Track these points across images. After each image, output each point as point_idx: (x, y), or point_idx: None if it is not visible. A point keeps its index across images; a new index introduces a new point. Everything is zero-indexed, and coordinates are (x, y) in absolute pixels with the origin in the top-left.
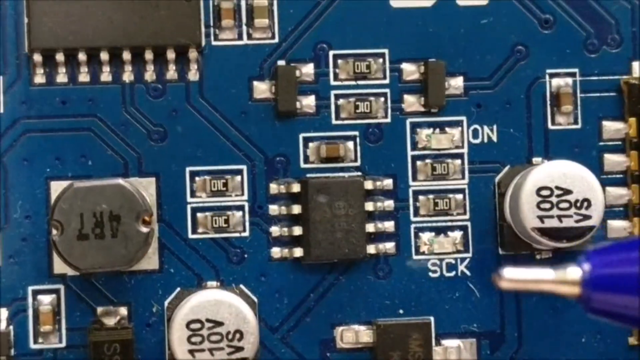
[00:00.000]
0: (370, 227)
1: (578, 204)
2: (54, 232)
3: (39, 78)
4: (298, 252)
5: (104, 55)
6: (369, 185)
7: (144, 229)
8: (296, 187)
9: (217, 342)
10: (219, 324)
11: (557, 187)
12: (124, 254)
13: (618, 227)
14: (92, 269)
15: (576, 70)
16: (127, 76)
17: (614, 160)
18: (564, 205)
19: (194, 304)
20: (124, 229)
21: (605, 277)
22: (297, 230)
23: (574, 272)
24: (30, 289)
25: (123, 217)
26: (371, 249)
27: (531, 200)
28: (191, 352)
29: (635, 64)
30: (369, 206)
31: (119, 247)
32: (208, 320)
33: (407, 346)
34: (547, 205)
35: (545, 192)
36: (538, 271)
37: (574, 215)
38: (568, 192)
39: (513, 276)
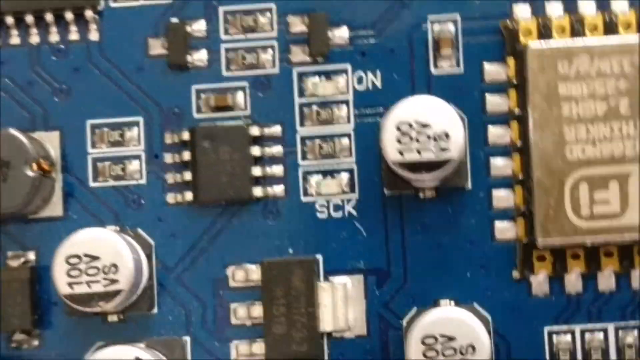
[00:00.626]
0: (256, 171)
1: (437, 137)
2: None
3: None
4: (189, 195)
5: (9, 20)
6: (255, 131)
7: (31, 174)
8: (186, 135)
9: (93, 276)
10: (95, 257)
11: (416, 122)
12: (13, 196)
13: (500, 164)
14: None
15: (457, 14)
16: (33, 38)
17: (495, 102)
18: (423, 137)
19: (73, 241)
20: (14, 173)
21: None
22: (188, 176)
23: None
24: None
25: (12, 163)
26: (259, 191)
27: (392, 135)
28: (70, 284)
29: (515, 6)
30: (256, 151)
31: (9, 190)
32: (86, 255)
33: (290, 282)
34: (406, 139)
35: (404, 127)
36: None
37: (433, 148)
38: (426, 125)
39: None
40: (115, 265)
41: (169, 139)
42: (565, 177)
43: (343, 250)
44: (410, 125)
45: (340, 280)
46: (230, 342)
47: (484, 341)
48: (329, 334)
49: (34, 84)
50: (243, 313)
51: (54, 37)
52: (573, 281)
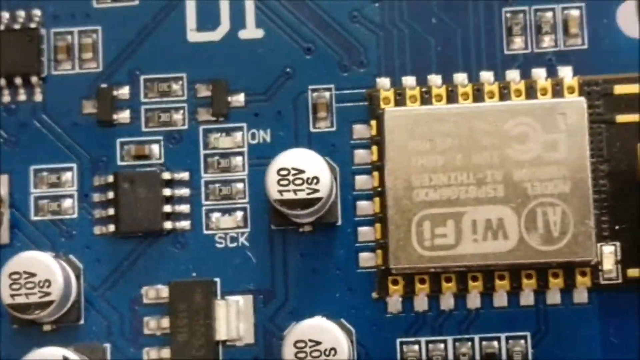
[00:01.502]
0: (167, 209)
1: (309, 180)
2: None
3: None
4: (112, 228)
5: None
6: (167, 176)
7: None
8: (111, 179)
9: (30, 289)
10: (32, 274)
11: (293, 168)
12: None
13: (364, 206)
14: None
15: (332, 85)
16: None
17: (361, 155)
18: (298, 181)
19: (14, 261)
20: None
21: None
22: (111, 211)
23: None
24: None
25: None
26: (169, 225)
27: (274, 178)
28: (12, 296)
29: (379, 80)
30: (167, 192)
31: None
32: (25, 272)
33: (192, 300)
34: (285, 182)
35: (283, 172)
36: None
37: (306, 189)
38: (301, 171)
39: None
40: (48, 281)
41: (97, 181)
42: (413, 215)
43: (237, 274)
44: (288, 171)
45: (233, 298)
46: (143, 348)
47: (343, 345)
48: (224, 342)
49: None
50: (154, 325)
51: (6, 97)
52: (420, 301)
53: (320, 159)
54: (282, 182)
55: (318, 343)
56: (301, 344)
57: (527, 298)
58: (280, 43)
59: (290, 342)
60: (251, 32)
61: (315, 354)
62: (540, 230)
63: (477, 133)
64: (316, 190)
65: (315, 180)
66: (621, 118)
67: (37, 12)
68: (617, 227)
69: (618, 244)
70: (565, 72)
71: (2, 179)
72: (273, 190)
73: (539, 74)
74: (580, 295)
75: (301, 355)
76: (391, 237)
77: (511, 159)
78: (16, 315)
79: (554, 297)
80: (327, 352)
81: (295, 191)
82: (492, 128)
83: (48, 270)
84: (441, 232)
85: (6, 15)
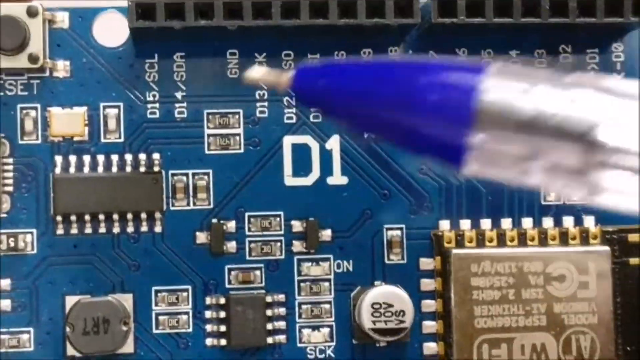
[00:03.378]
0: (269, 326)
1: (397, 313)
2: (68, 330)
3: (61, 231)
4: (223, 341)
5: (101, 216)
6: (269, 299)
7: (124, 329)
8: (223, 300)
9: None
10: None
11: (384, 303)
12: (111, 344)
13: (429, 325)
14: (91, 353)
15: (403, 225)
16: (116, 229)
17: (427, 282)
18: (388, 314)
19: None
20: (112, 328)
21: (303, 78)
22: (223, 328)
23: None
24: None
25: (111, 321)
26: (270, 340)
27: (367, 310)
28: None
29: (441, 222)
30: (269, 312)
31: (108, 339)
32: None
33: None
34: (377, 314)
35: (376, 305)
36: (268, 72)
37: (394, 320)
38: (391, 305)
39: (252, 75)
40: None
41: (208, 301)
42: (474, 339)
43: None
44: (380, 305)
45: None
46: None
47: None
48: None
49: (114, 260)
50: None
51: (131, 228)
52: None
53: (406, 296)
54: (375, 314)
55: None
56: None
57: None
58: (361, 189)
59: None
60: (337, 178)
61: None
62: (574, 353)
63: (528, 273)
64: (402, 322)
65: (402, 313)
66: (633, 261)
67: (157, 156)
68: (628, 348)
69: None
70: (589, 222)
71: (128, 297)
72: (367, 320)
73: (569, 222)
74: None
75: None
76: (456, 356)
77: (552, 295)
78: None
79: None
80: None
81: (386, 322)
82: (538, 270)
83: None
84: (497, 354)
85: (129, 157)
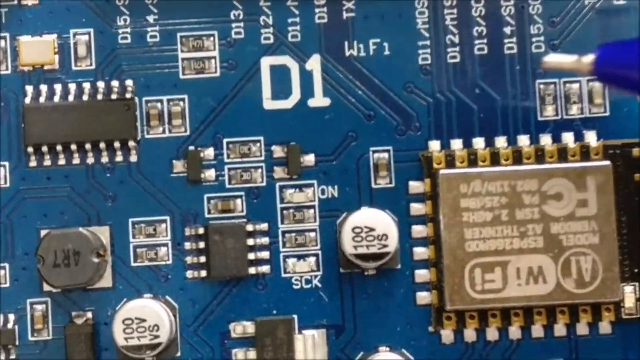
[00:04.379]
0: (251, 256)
1: (379, 237)
2: (38, 263)
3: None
4: (204, 273)
5: (74, 147)
6: (250, 228)
7: (95, 260)
8: (201, 230)
9: (142, 332)
10: (143, 320)
11: (366, 227)
12: (82, 276)
13: (420, 252)
14: (63, 286)
15: (390, 147)
16: (90, 160)
17: (417, 207)
18: (370, 238)
19: (127, 308)
20: (83, 260)
21: (606, 59)
22: (202, 259)
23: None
24: (28, 301)
25: (82, 252)
26: (253, 270)
27: (348, 234)
28: (126, 339)
29: (431, 143)
30: (250, 242)
31: (80, 272)
32: (137, 318)
33: (276, 335)
34: (359, 239)
35: (357, 230)
36: (566, 58)
37: (377, 245)
38: (372, 229)
39: (550, 62)
40: (157, 325)
41: (188, 232)
42: (465, 263)
43: (311, 312)
44: (361, 229)
45: (310, 333)
46: None
47: None
48: None
49: (91, 192)
50: (241, 356)
51: (105, 158)
52: (470, 333)
53: (389, 218)
54: (356, 239)
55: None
56: None
57: (560, 330)
58: (345, 111)
59: None
60: (319, 100)
61: None
62: (574, 276)
63: (521, 192)
64: (385, 246)
65: (384, 237)
66: (638, 176)
67: (130, 82)
68: (635, 270)
69: (637, 284)
70: (591, 137)
71: (104, 230)
72: (348, 246)
73: (568, 138)
74: (605, 328)
75: None
76: (447, 282)
77: (549, 215)
78: (127, 355)
79: (583, 329)
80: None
81: (367, 246)
82: (533, 188)
83: (157, 317)
84: (490, 278)
85: (101, 84)
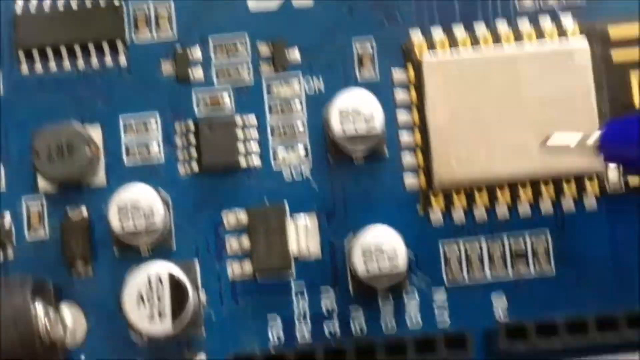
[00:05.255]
0: (241, 148)
1: (366, 119)
2: (34, 158)
3: (25, 69)
4: (195, 167)
5: (64, 51)
6: (239, 120)
7: (88, 153)
8: (192, 125)
9: (137, 218)
10: (138, 206)
11: (353, 109)
12: (77, 168)
13: (406, 139)
14: (58, 178)
15: (372, 37)
16: (80, 64)
17: (401, 96)
18: (357, 119)
19: (121, 194)
20: (76, 153)
21: (610, 137)
22: (194, 153)
23: (595, 136)
24: (23, 200)
25: (75, 145)
26: (243, 162)
27: (336, 117)
28: (121, 225)
29: (412, 31)
30: (240, 134)
31: (74, 164)
32: (132, 205)
33: (269, 222)
34: (347, 121)
35: (344, 113)
36: (570, 136)
37: (364, 125)
38: (359, 110)
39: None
40: (152, 212)
41: (178, 127)
42: (451, 143)
43: (303, 200)
44: (348, 111)
45: (301, 219)
46: (227, 263)
47: (402, 249)
48: (295, 258)
49: (80, 95)
50: (235, 244)
51: (95, 61)
52: (458, 215)
53: (374, 98)
54: (343, 121)
55: (381, 251)
56: (367, 253)
57: (546, 206)
58: (327, 4)
59: (358, 250)
60: (303, 2)
61: (380, 258)
62: (560, 148)
63: (501, 74)
64: (372, 126)
65: (371, 118)
66: (616, 54)
67: None
68: None
69: None
70: (567, 19)
71: (95, 129)
72: (337, 127)
73: (546, 20)
74: (590, 202)
75: (368, 260)
76: (434, 162)
77: (530, 93)
78: (121, 241)
79: (568, 204)
80: (390, 255)
81: (355, 128)
82: (513, 69)
83: (151, 202)
84: (476, 156)
85: None
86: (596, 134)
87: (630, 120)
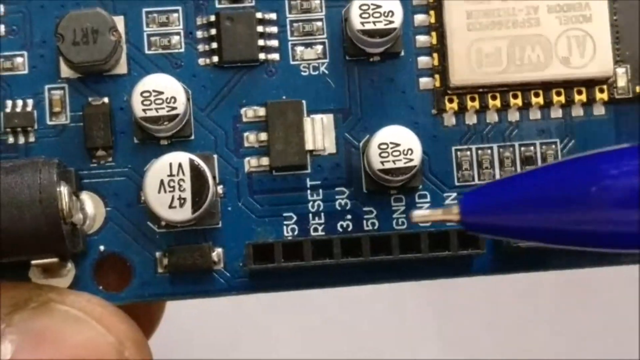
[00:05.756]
0: (261, 42)
1: (386, 14)
2: (58, 41)
3: None
4: (215, 59)
5: None
6: (259, 15)
7: (112, 38)
8: (213, 18)
9: (159, 104)
10: (161, 92)
11: (373, 3)
12: (100, 53)
13: (423, 39)
14: (82, 63)
15: None
16: None
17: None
18: (376, 14)
19: (145, 81)
20: (100, 38)
21: (471, 210)
22: (214, 45)
23: (455, 209)
24: (46, 86)
25: (100, 30)
26: (262, 56)
27: (356, 12)
28: (144, 110)
29: None
30: (260, 29)
31: (98, 49)
32: (154, 90)
33: (286, 117)
34: (366, 15)
35: (364, 7)
36: (434, 211)
37: (383, 21)
38: (379, 6)
39: (419, 216)
40: (174, 97)
41: (199, 20)
42: (468, 43)
43: (319, 97)
44: (368, 6)
45: (318, 116)
46: (244, 157)
47: (417, 146)
48: (312, 152)
49: None
50: (253, 138)
51: None
52: (471, 115)
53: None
54: (363, 15)
55: (397, 145)
56: (384, 146)
57: (556, 112)
58: None
59: (374, 144)
60: None
61: (396, 153)
62: (571, 54)
63: None
64: (392, 22)
65: (391, 13)
66: None
67: None
68: (627, 53)
69: (628, 66)
70: None
71: (118, 19)
72: (356, 21)
73: None
74: (599, 109)
75: (384, 155)
76: (450, 60)
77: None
78: (142, 130)
79: (577, 111)
80: (405, 152)
81: (374, 22)
82: None
83: (173, 89)
84: (492, 59)
85: None
86: (455, 207)
87: (491, 186)
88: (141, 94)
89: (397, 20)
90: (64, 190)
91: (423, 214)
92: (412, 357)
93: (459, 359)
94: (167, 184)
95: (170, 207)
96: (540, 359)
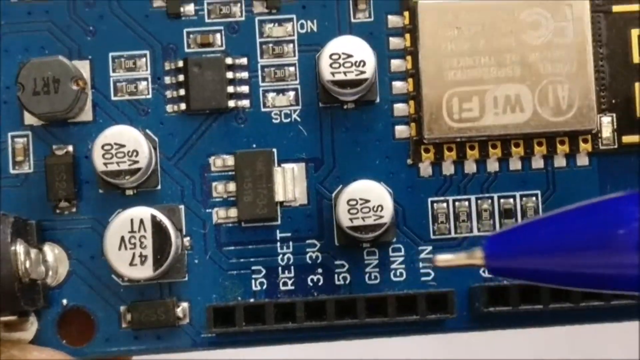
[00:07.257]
0: (230, 89)
1: (357, 64)
2: (18, 91)
3: None
4: (183, 106)
5: None
6: (229, 61)
7: (75, 88)
8: (181, 63)
9: (121, 158)
10: (122, 145)
11: (343, 53)
12: (62, 104)
13: (399, 85)
14: (42, 114)
15: None
16: None
17: (395, 42)
18: (347, 64)
19: (106, 133)
20: (62, 88)
21: (495, 254)
22: (182, 92)
23: (479, 253)
24: (9, 134)
25: (61, 80)
26: (232, 103)
27: (326, 62)
28: (105, 164)
29: None
30: (230, 75)
31: (59, 99)
32: (116, 143)
33: (255, 167)
34: (336, 65)
35: (335, 56)
36: (457, 256)
37: (354, 71)
38: (350, 55)
39: (443, 260)
40: (136, 150)
41: (167, 66)
42: (443, 92)
43: (291, 146)
44: (339, 55)
45: (289, 166)
46: (212, 208)
47: (388, 203)
48: (282, 203)
49: (72, 27)
50: (221, 189)
51: None
52: (448, 166)
53: (366, 45)
54: (334, 65)
55: (367, 201)
56: (352, 202)
57: (537, 162)
58: None
59: (343, 200)
60: None
61: (365, 210)
62: (551, 104)
63: (498, 21)
64: (363, 72)
65: (362, 63)
66: (616, 8)
67: None
68: (613, 101)
69: (614, 115)
70: None
71: (84, 64)
72: (326, 72)
73: None
74: (583, 159)
75: (353, 211)
76: (425, 112)
77: (526, 43)
78: (106, 181)
79: (560, 161)
80: (375, 209)
81: (345, 73)
82: (510, 17)
83: (136, 142)
84: (467, 107)
85: None
86: (478, 251)
87: (514, 231)
88: (102, 147)
89: (369, 70)
90: (19, 249)
91: (446, 258)
92: (412, 357)
93: (459, 359)
94: (127, 240)
95: (131, 264)
96: (540, 359)
